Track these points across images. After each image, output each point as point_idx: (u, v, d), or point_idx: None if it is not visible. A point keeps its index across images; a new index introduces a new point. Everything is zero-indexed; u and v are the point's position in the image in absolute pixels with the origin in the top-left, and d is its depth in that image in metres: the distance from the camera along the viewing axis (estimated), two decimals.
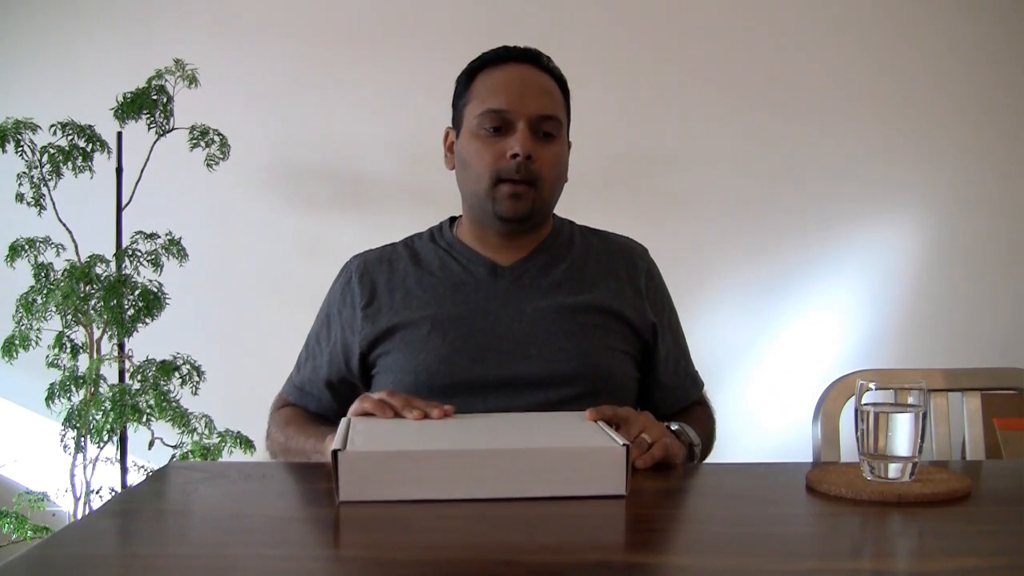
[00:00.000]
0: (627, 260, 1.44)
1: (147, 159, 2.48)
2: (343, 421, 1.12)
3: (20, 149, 2.34)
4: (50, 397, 2.30)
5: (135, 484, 1.19)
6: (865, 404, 1.06)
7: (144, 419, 2.26)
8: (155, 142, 2.48)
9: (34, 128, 2.36)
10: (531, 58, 1.37)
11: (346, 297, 1.41)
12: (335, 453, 0.95)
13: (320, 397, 1.43)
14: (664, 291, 1.47)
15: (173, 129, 2.48)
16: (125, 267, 2.39)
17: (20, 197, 2.36)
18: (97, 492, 2.42)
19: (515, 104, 1.31)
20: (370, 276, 1.41)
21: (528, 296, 1.36)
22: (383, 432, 1.08)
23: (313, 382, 1.43)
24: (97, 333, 2.39)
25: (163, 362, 2.36)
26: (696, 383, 1.50)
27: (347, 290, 1.42)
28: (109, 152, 2.45)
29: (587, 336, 1.34)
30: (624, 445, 0.99)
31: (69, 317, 2.35)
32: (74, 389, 2.32)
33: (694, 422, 1.33)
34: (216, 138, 2.46)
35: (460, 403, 1.18)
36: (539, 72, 1.36)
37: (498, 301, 1.35)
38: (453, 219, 1.49)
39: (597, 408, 1.13)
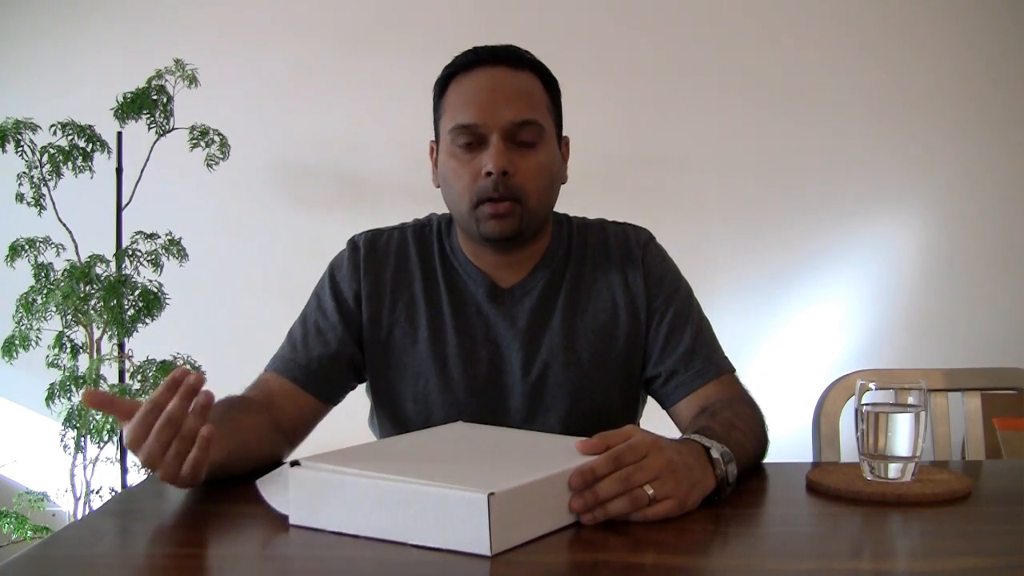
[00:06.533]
0: (623, 254, 1.35)
1: (147, 159, 2.48)
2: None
3: (20, 149, 2.34)
4: (50, 397, 2.30)
5: (135, 484, 1.19)
6: (865, 404, 1.06)
7: None
8: (155, 142, 2.48)
9: (34, 128, 2.36)
10: (502, 58, 1.26)
11: (353, 280, 1.34)
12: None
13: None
14: (663, 273, 1.36)
15: (173, 129, 2.48)
16: (125, 267, 2.39)
17: (20, 197, 2.36)
18: (97, 492, 2.42)
19: (485, 116, 1.22)
20: (376, 265, 1.34)
21: (528, 327, 1.31)
22: (356, 452, 0.98)
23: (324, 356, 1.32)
24: (97, 333, 2.39)
25: (163, 362, 2.36)
26: (711, 364, 1.29)
27: (354, 274, 1.35)
28: (109, 152, 2.45)
29: (582, 370, 1.30)
30: (488, 494, 0.80)
31: (69, 317, 2.35)
32: (74, 389, 2.32)
33: (736, 432, 1.09)
34: (216, 138, 2.46)
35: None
36: (512, 72, 1.25)
37: (498, 329, 1.31)
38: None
39: (588, 441, 0.96)
